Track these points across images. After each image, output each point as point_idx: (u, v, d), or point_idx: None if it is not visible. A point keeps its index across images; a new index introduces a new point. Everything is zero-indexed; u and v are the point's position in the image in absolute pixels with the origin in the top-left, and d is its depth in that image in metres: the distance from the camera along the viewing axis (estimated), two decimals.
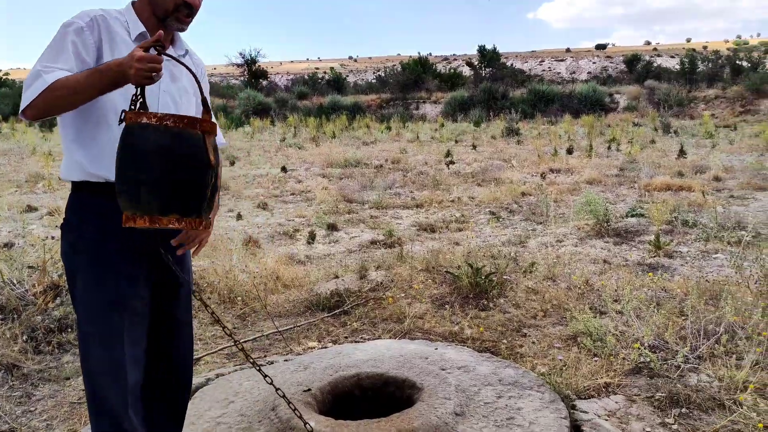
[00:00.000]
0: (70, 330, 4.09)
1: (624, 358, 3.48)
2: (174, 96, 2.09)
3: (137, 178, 1.72)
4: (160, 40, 1.77)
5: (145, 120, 1.71)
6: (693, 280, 4.89)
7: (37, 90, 1.79)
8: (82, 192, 1.99)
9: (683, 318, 3.94)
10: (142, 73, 1.73)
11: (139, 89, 1.78)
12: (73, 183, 2.00)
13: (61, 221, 2.06)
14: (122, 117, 1.75)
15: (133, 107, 1.79)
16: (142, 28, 2.02)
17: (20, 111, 1.84)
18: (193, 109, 2.17)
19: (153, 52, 1.80)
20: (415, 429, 2.61)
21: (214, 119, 2.46)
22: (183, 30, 2.09)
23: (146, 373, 2.09)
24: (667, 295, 4.52)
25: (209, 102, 2.36)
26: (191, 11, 2.05)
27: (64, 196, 9.89)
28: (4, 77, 51.14)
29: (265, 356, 3.82)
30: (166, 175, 1.72)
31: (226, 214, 8.79)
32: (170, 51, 2.07)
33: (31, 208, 9.14)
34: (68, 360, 3.82)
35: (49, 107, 1.82)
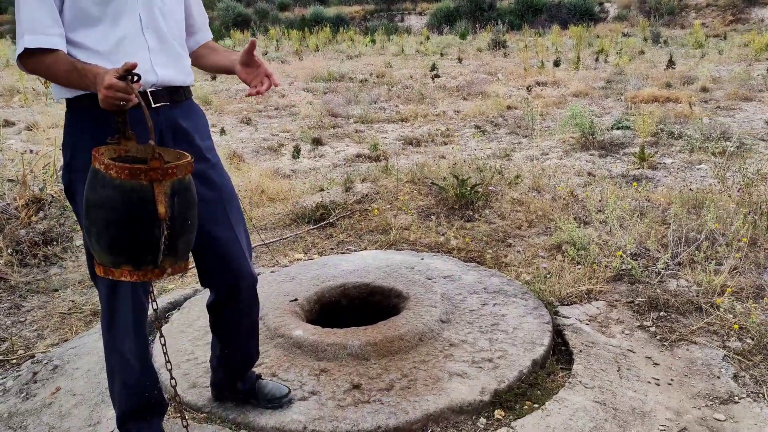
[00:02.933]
0: (55, 243, 4.08)
1: (606, 266, 3.54)
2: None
3: (88, 228, 1.63)
4: (133, 69, 1.60)
5: (96, 165, 1.58)
6: (676, 190, 4.92)
7: (20, 48, 1.73)
8: (72, 108, 1.87)
9: (665, 227, 3.99)
10: (110, 101, 1.60)
11: (115, 115, 1.66)
12: (66, 101, 1.87)
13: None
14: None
15: (112, 137, 1.69)
16: None
17: (17, 57, 1.77)
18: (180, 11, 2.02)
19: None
20: (402, 336, 2.66)
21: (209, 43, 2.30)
22: None
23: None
24: (651, 205, 4.56)
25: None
26: None
27: (41, 110, 9.66)
28: None
29: None
30: (107, 230, 1.59)
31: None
32: None
33: (8, 123, 8.93)
34: (55, 272, 3.83)
35: (36, 72, 1.80)
